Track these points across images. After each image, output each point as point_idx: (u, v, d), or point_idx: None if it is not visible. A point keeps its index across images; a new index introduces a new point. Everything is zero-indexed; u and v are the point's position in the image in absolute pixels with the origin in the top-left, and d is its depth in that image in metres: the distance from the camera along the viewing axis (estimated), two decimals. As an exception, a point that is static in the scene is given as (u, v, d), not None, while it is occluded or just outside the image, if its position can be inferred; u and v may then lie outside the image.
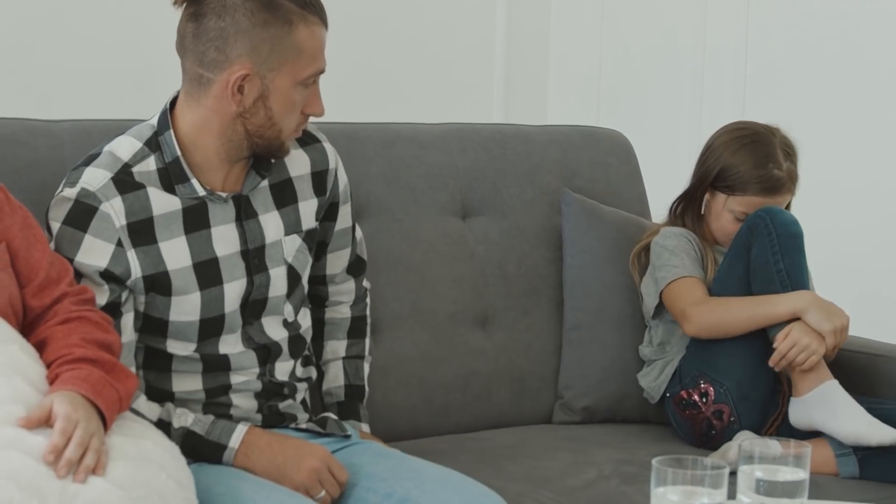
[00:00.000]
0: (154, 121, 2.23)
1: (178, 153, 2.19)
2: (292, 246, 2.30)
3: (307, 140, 2.36)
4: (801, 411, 2.64)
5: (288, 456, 2.18)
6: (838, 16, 3.94)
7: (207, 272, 2.21)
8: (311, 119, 2.31)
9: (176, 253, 2.19)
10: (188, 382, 2.26)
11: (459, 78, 4.36)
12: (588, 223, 2.94)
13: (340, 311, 2.52)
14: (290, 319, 2.32)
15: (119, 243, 2.15)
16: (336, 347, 2.50)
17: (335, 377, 2.49)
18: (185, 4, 2.15)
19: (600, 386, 2.88)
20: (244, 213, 2.25)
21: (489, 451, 2.62)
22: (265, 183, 2.29)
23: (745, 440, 1.99)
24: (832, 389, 2.62)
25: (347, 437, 2.33)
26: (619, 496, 2.43)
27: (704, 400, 2.70)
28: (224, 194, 2.22)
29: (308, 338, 2.39)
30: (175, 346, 2.24)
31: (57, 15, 3.58)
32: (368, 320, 2.56)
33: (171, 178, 2.19)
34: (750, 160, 2.77)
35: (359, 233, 2.52)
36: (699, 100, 4.27)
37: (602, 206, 2.99)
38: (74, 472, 1.76)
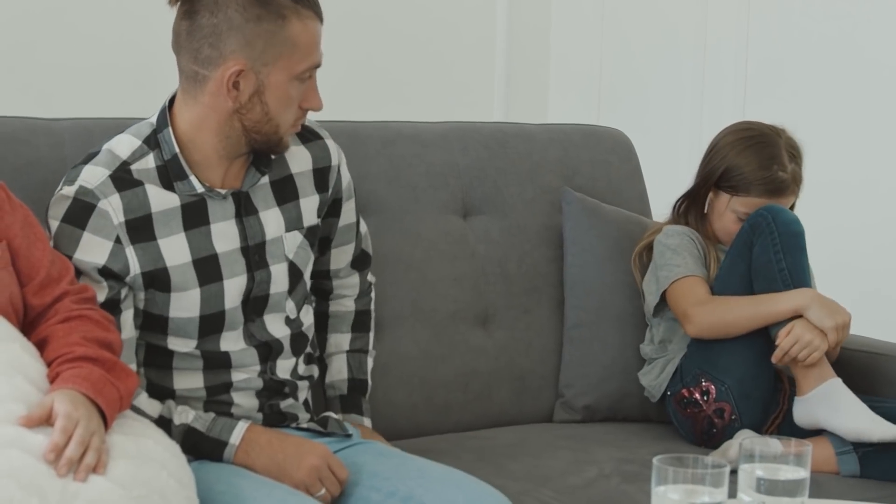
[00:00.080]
0: (153, 119, 2.24)
1: (177, 150, 2.19)
2: (293, 242, 2.30)
3: (309, 136, 2.37)
4: (804, 410, 2.64)
5: (288, 453, 2.18)
6: (839, 15, 3.95)
7: (207, 268, 2.21)
8: (314, 116, 2.31)
9: (175, 250, 2.19)
10: (189, 380, 2.26)
11: (460, 76, 4.36)
12: (589, 222, 2.94)
13: (345, 305, 2.52)
14: (293, 316, 2.32)
15: (117, 240, 2.16)
16: (340, 341, 2.51)
17: (338, 370, 2.49)
18: (179, 3, 2.15)
19: (601, 385, 2.88)
20: (244, 209, 2.25)
21: (490, 450, 2.62)
22: (266, 179, 2.29)
23: (745, 439, 1.99)
24: (835, 387, 2.62)
25: (349, 436, 2.33)
26: (619, 495, 2.43)
27: (706, 398, 2.70)
28: (223, 191, 2.22)
29: (310, 335, 2.39)
30: (176, 343, 2.24)
31: (57, 14, 3.58)
32: (373, 314, 2.56)
33: (170, 175, 2.20)
34: (755, 161, 2.77)
35: (363, 227, 2.52)
36: (700, 98, 4.27)
37: (603, 204, 2.99)
38: (75, 471, 1.76)
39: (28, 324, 2.03)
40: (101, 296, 2.14)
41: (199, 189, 2.20)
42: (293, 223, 2.31)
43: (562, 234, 2.96)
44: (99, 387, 1.90)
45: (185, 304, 2.21)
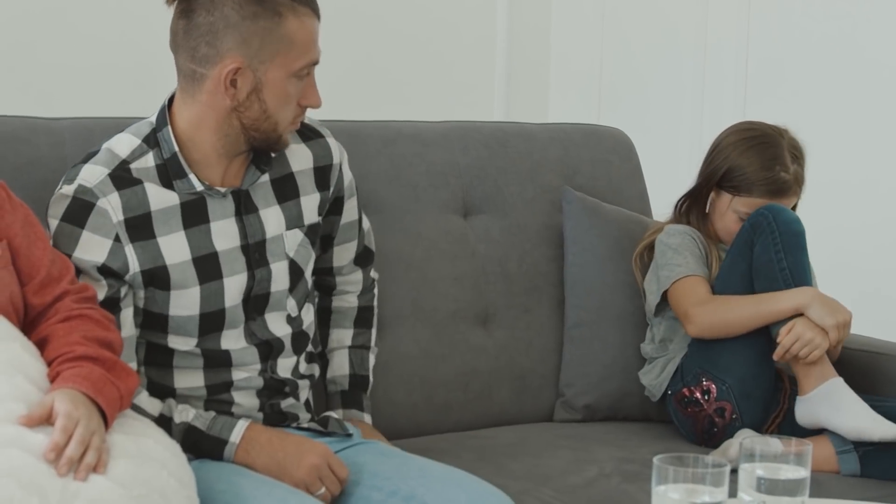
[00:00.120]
0: (153, 118, 2.24)
1: (176, 149, 2.19)
2: (294, 240, 2.30)
3: (310, 135, 2.37)
4: (806, 409, 2.64)
5: (288, 452, 2.18)
6: (839, 15, 3.94)
7: (207, 266, 2.22)
8: (315, 114, 2.31)
9: (174, 248, 2.19)
10: (189, 378, 2.26)
11: (461, 76, 4.36)
12: (589, 221, 2.94)
13: (348, 301, 2.52)
14: (294, 315, 2.33)
15: (117, 238, 2.16)
16: (342, 336, 2.51)
17: (340, 366, 2.49)
18: (175, 2, 2.16)
19: (601, 384, 2.88)
20: (244, 207, 2.25)
21: (490, 450, 2.62)
22: (266, 177, 2.29)
23: (745, 438, 1.99)
24: (836, 386, 2.62)
25: (349, 436, 2.33)
26: (620, 494, 2.43)
27: (706, 397, 2.70)
28: (223, 189, 2.22)
29: (311, 333, 2.39)
30: (176, 342, 2.24)
31: (58, 13, 3.58)
32: (375, 311, 2.57)
33: (170, 173, 2.20)
34: (757, 162, 2.77)
35: (366, 223, 2.53)
36: (700, 98, 4.27)
37: (603, 204, 2.99)
38: (75, 471, 1.76)
39: (28, 323, 2.03)
40: (101, 294, 2.15)
41: (199, 187, 2.20)
42: (294, 221, 2.31)
43: (562, 233, 2.96)
44: (99, 386, 1.90)
45: (185, 302, 2.21)
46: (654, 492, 1.79)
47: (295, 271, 2.31)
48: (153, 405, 2.19)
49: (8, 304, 1.98)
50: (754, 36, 4.15)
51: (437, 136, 2.92)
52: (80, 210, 2.15)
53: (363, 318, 2.53)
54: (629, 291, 2.91)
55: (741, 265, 2.70)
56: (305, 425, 2.33)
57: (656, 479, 1.79)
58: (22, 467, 1.71)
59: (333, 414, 2.38)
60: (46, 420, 1.80)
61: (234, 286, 2.24)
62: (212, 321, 2.23)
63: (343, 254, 2.48)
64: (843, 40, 3.93)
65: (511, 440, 2.70)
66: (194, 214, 2.21)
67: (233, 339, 2.26)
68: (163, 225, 2.19)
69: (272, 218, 2.28)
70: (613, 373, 2.88)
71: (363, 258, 2.52)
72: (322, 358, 2.50)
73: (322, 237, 2.42)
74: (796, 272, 2.66)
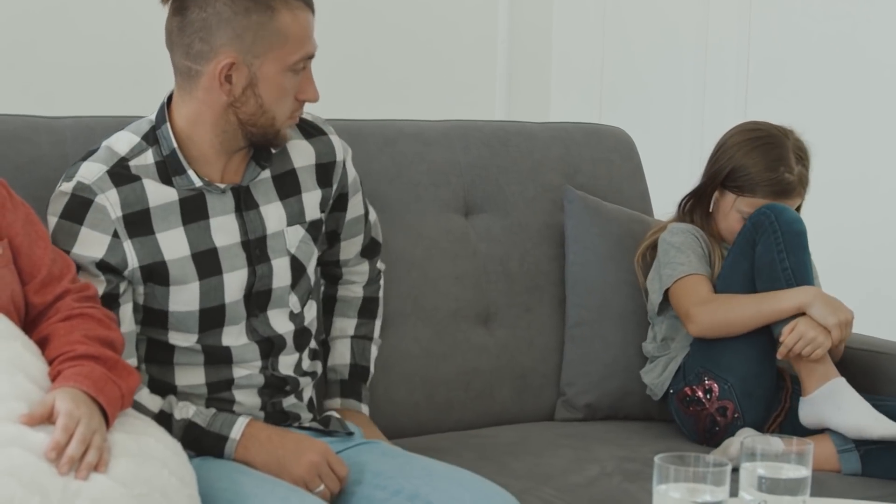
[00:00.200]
0: (153, 116, 2.25)
1: (175, 145, 2.20)
2: (295, 236, 2.31)
3: (312, 132, 2.37)
4: (809, 410, 2.64)
5: (288, 449, 2.18)
6: (840, 14, 3.94)
7: (206, 262, 2.22)
8: (317, 111, 2.31)
9: (173, 244, 2.20)
10: (190, 376, 2.26)
11: (462, 75, 4.36)
12: (590, 220, 2.94)
13: (353, 291, 2.53)
14: (296, 311, 2.33)
15: (115, 234, 2.16)
16: (345, 325, 2.52)
17: (341, 355, 2.50)
18: (170, 0, 2.16)
19: (602, 383, 2.88)
20: (244, 203, 2.26)
21: (491, 449, 2.62)
22: (267, 174, 2.29)
23: (747, 437, 1.99)
24: (838, 386, 2.63)
25: (350, 434, 2.33)
26: (621, 493, 2.43)
27: (708, 396, 2.70)
28: (222, 185, 2.23)
29: (313, 329, 2.39)
30: (176, 338, 2.24)
31: (59, 12, 3.58)
32: (381, 303, 2.58)
33: (169, 170, 2.21)
34: (761, 162, 2.77)
35: (373, 215, 2.54)
36: (701, 97, 4.27)
37: (604, 203, 2.99)
38: (76, 469, 1.76)
39: (29, 322, 2.03)
40: (100, 289, 2.15)
41: (197, 183, 2.21)
42: (295, 217, 2.31)
43: (563, 232, 2.96)
44: (100, 385, 1.90)
45: (185, 297, 2.21)
46: (655, 491, 1.79)
47: (297, 268, 2.31)
48: (153, 402, 2.19)
49: (9, 303, 1.98)
50: (755, 35, 4.15)
51: (439, 136, 2.92)
52: (79, 207, 2.16)
53: (367, 309, 2.54)
54: (630, 290, 2.91)
55: (743, 264, 2.70)
56: (307, 425, 2.33)
57: (657, 478, 1.79)
58: (23, 466, 1.71)
59: (335, 414, 2.39)
60: (47, 419, 1.80)
61: (234, 282, 2.24)
62: (212, 317, 2.24)
63: (350, 248, 2.50)
64: (843, 40, 3.93)
65: (512, 439, 2.70)
66: (193, 211, 2.22)
67: (234, 336, 2.26)
68: (161, 221, 2.19)
69: (273, 214, 2.28)
70: (614, 372, 2.88)
71: (370, 250, 2.53)
72: (324, 346, 2.51)
73: (328, 233, 2.44)
74: (798, 272, 2.66)
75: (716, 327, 2.69)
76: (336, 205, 2.42)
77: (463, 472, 2.18)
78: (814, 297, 2.63)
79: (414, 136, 2.88)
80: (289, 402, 2.33)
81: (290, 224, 2.30)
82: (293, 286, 2.31)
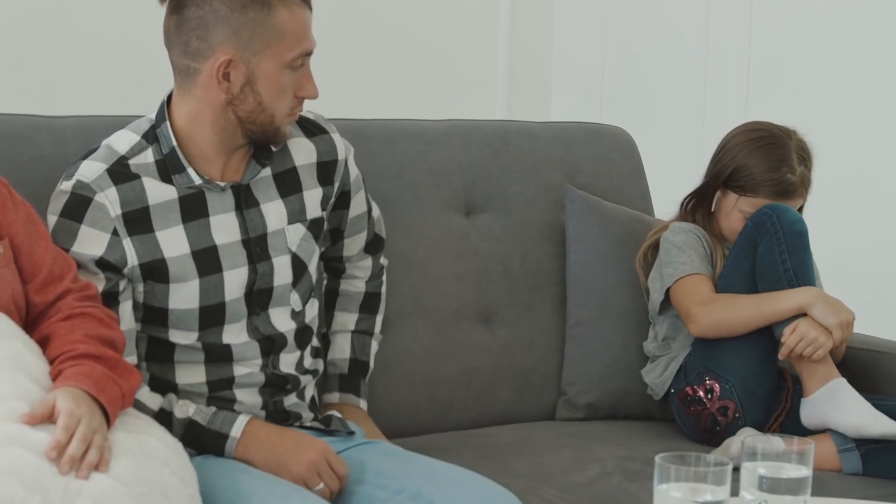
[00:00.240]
0: (153, 115, 2.25)
1: (174, 144, 2.20)
2: (296, 235, 2.31)
3: (314, 130, 2.37)
4: (810, 411, 2.64)
5: (287, 447, 2.18)
6: (840, 14, 3.94)
7: (206, 260, 2.22)
8: (318, 109, 2.31)
9: (173, 241, 2.20)
10: (191, 374, 2.26)
11: (463, 75, 4.36)
12: (591, 220, 2.94)
13: (355, 286, 2.54)
14: (298, 309, 2.33)
15: (115, 232, 2.17)
16: (346, 320, 2.52)
17: (341, 349, 2.50)
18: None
19: (603, 382, 2.88)
20: (244, 201, 2.26)
21: (492, 448, 2.62)
22: (268, 172, 2.29)
23: (748, 437, 1.99)
24: (839, 386, 2.63)
25: (352, 433, 2.33)
26: (622, 493, 2.43)
27: (709, 396, 2.70)
28: (222, 183, 2.23)
29: (315, 327, 2.39)
30: (177, 336, 2.25)
31: (60, 12, 3.58)
32: (383, 298, 2.58)
33: (169, 168, 2.21)
34: (764, 163, 2.77)
35: (376, 211, 2.54)
36: (702, 97, 4.27)
37: (605, 202, 2.99)
38: (77, 469, 1.76)
39: (30, 321, 2.03)
40: (99, 287, 2.15)
41: (197, 181, 2.21)
42: (296, 215, 2.31)
43: (564, 231, 2.96)
44: (101, 384, 1.90)
45: (184, 295, 2.22)
46: (656, 490, 1.79)
47: (298, 266, 2.31)
48: (153, 400, 2.20)
49: (10, 303, 1.98)
50: (756, 35, 4.15)
51: (440, 135, 2.91)
52: (78, 205, 2.16)
53: (369, 304, 2.54)
54: (631, 290, 2.91)
55: (744, 264, 2.70)
56: (308, 424, 2.33)
57: (658, 477, 1.79)
58: (24, 465, 1.71)
59: (336, 413, 2.39)
60: (48, 418, 1.80)
61: (234, 280, 2.24)
62: (212, 315, 2.24)
63: (353, 244, 2.50)
64: (844, 40, 3.93)
65: (513, 439, 2.70)
66: (193, 209, 2.22)
67: (234, 334, 2.26)
68: (161, 219, 2.20)
69: (273, 212, 2.28)
70: (615, 371, 2.88)
71: (373, 245, 2.54)
72: (325, 339, 2.51)
73: (331, 230, 2.44)
74: (800, 272, 2.66)
75: (717, 327, 2.69)
76: (339, 203, 2.42)
77: (465, 471, 2.18)
78: (815, 298, 2.63)
79: (415, 136, 2.88)
80: (290, 401, 2.33)
81: (290, 222, 2.30)
82: (294, 284, 2.31)
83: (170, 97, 2.24)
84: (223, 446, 2.19)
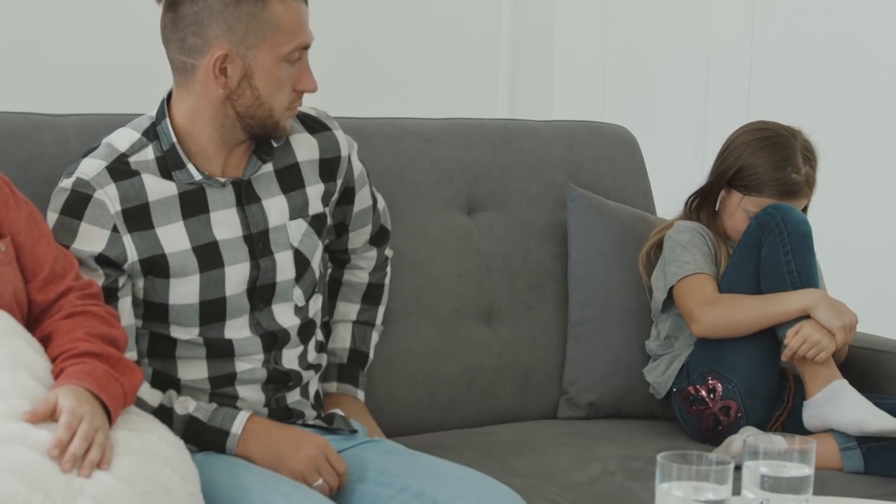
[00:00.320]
0: (153, 113, 2.26)
1: (174, 140, 2.21)
2: (298, 230, 2.31)
3: (317, 127, 2.37)
4: (813, 412, 2.64)
5: (286, 443, 2.18)
6: (842, 14, 3.94)
7: (207, 255, 2.22)
8: (319, 104, 2.31)
9: (173, 237, 2.20)
10: (193, 370, 2.26)
11: (465, 73, 4.36)
12: (593, 218, 2.94)
13: (358, 276, 2.54)
14: (301, 305, 2.33)
15: (115, 229, 2.17)
16: (348, 310, 2.53)
17: (342, 339, 2.51)
18: None
19: (605, 381, 2.88)
20: (245, 197, 2.26)
21: (494, 446, 2.62)
22: (270, 167, 2.29)
23: (749, 435, 1.99)
24: (840, 387, 2.63)
25: (354, 432, 2.33)
26: (623, 491, 2.43)
27: (712, 396, 2.70)
28: (223, 179, 2.23)
29: (318, 321, 2.40)
30: (178, 331, 2.25)
31: (62, 10, 3.59)
32: (386, 289, 2.59)
33: (169, 165, 2.21)
34: (769, 162, 2.76)
35: (381, 203, 2.54)
36: (704, 95, 4.27)
37: (607, 201, 2.99)
38: (79, 467, 1.76)
39: (32, 320, 2.03)
40: (98, 283, 2.15)
41: (197, 177, 2.21)
42: (298, 211, 2.31)
43: (566, 230, 2.96)
44: (103, 382, 1.90)
45: (185, 290, 2.22)
46: (657, 489, 1.79)
47: (300, 261, 2.31)
48: (153, 396, 2.20)
49: (12, 301, 1.98)
50: (758, 34, 4.15)
51: (441, 134, 2.91)
52: (78, 202, 2.17)
53: (372, 295, 2.55)
54: (633, 288, 2.91)
55: (748, 265, 2.70)
56: (311, 423, 2.33)
57: (660, 476, 1.79)
58: (26, 464, 1.71)
59: (339, 411, 2.39)
60: (50, 416, 1.80)
61: (235, 275, 2.24)
62: (213, 310, 2.24)
63: (358, 238, 2.51)
64: (845, 40, 3.93)
65: (515, 437, 2.70)
66: (193, 205, 2.22)
67: (236, 329, 2.26)
68: (161, 215, 2.20)
69: (275, 208, 2.29)
70: (617, 370, 2.88)
71: (378, 237, 2.55)
72: (325, 328, 2.51)
73: (336, 225, 2.45)
74: (804, 274, 2.66)
75: (719, 328, 2.69)
76: (343, 198, 2.42)
77: (468, 470, 2.18)
78: (819, 300, 2.62)
79: (417, 134, 2.88)
80: (293, 398, 2.33)
81: (292, 217, 2.30)
82: (297, 280, 2.31)
83: (170, 95, 2.24)
84: (224, 443, 2.19)
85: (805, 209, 2.82)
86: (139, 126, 2.25)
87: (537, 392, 2.88)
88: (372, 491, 2.16)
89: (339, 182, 2.39)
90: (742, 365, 2.69)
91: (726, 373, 2.69)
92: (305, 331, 2.34)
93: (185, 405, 2.20)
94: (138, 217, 2.19)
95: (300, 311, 2.32)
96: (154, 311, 2.24)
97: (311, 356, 2.37)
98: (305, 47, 2.19)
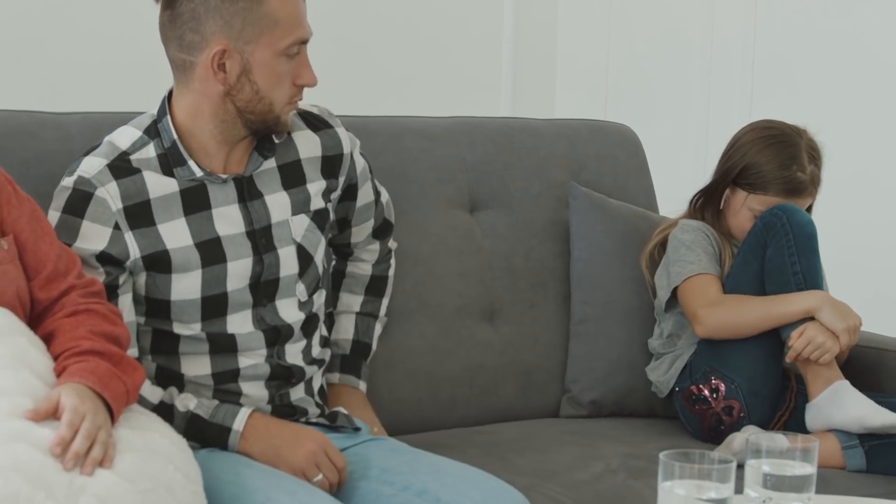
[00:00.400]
0: (155, 111, 2.26)
1: (175, 137, 2.21)
2: (300, 225, 2.31)
3: (319, 125, 2.37)
4: (815, 414, 2.64)
5: (285, 439, 2.19)
6: (844, 13, 3.94)
7: (210, 250, 2.23)
8: (319, 101, 2.31)
9: (175, 233, 2.21)
10: (196, 365, 2.26)
11: (467, 72, 4.36)
12: (595, 217, 2.94)
13: (362, 268, 2.56)
14: (304, 300, 2.33)
15: (116, 226, 2.18)
16: (351, 301, 2.54)
17: (345, 330, 2.52)
18: None
19: (607, 380, 2.88)
20: (247, 193, 2.26)
21: (496, 445, 2.62)
22: (272, 164, 2.29)
23: (752, 434, 1.99)
24: (842, 387, 2.63)
25: (357, 430, 2.33)
26: (626, 490, 2.43)
27: (715, 395, 2.70)
28: (224, 175, 2.23)
29: (322, 315, 2.40)
30: (180, 327, 2.25)
31: (65, 8, 3.59)
32: (390, 281, 2.59)
33: (170, 162, 2.22)
34: (774, 161, 2.76)
35: (384, 196, 2.55)
36: (707, 94, 4.27)
37: (609, 199, 2.99)
38: (81, 465, 1.76)
39: (35, 318, 2.03)
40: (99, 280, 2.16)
41: (198, 173, 2.21)
42: (300, 207, 2.31)
43: (568, 228, 2.96)
44: (105, 381, 1.90)
45: (186, 286, 2.22)
46: (660, 488, 1.79)
47: (303, 256, 2.31)
48: (154, 393, 2.20)
49: (14, 299, 1.98)
50: (761, 32, 4.15)
51: (444, 132, 2.91)
52: (80, 200, 2.17)
53: (375, 287, 2.56)
54: (635, 287, 2.91)
55: (753, 265, 2.70)
56: (314, 420, 2.33)
57: (662, 475, 1.79)
58: (28, 462, 1.71)
59: (342, 409, 2.39)
60: (53, 414, 1.80)
61: (238, 270, 2.25)
62: (214, 305, 2.24)
63: (361, 232, 2.52)
64: (848, 39, 3.92)
65: (517, 436, 2.70)
66: (195, 201, 2.22)
67: (239, 324, 2.27)
68: (163, 212, 2.20)
69: (277, 203, 2.29)
70: (619, 368, 2.88)
71: (382, 230, 2.56)
72: (329, 318, 2.51)
73: (339, 220, 2.46)
74: (809, 275, 2.66)
75: (723, 329, 2.69)
76: (345, 195, 2.43)
77: (471, 468, 2.18)
78: (823, 302, 2.62)
79: (419, 133, 2.88)
80: (296, 395, 2.33)
81: (294, 213, 2.31)
82: (301, 275, 2.31)
83: (171, 93, 2.25)
84: (226, 439, 2.19)
85: (810, 208, 2.82)
86: (140, 124, 2.25)
87: (539, 390, 2.88)
88: (375, 489, 2.17)
89: (342, 179, 2.39)
90: (745, 365, 2.69)
91: (729, 372, 2.69)
92: (309, 326, 2.34)
93: (185, 402, 2.21)
94: (140, 214, 2.19)
95: (304, 306, 2.33)
96: (156, 308, 2.24)
97: (315, 351, 2.37)
98: (304, 41, 2.19)
